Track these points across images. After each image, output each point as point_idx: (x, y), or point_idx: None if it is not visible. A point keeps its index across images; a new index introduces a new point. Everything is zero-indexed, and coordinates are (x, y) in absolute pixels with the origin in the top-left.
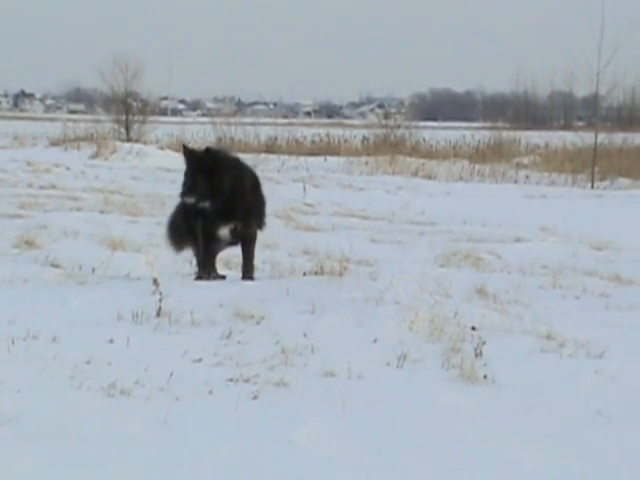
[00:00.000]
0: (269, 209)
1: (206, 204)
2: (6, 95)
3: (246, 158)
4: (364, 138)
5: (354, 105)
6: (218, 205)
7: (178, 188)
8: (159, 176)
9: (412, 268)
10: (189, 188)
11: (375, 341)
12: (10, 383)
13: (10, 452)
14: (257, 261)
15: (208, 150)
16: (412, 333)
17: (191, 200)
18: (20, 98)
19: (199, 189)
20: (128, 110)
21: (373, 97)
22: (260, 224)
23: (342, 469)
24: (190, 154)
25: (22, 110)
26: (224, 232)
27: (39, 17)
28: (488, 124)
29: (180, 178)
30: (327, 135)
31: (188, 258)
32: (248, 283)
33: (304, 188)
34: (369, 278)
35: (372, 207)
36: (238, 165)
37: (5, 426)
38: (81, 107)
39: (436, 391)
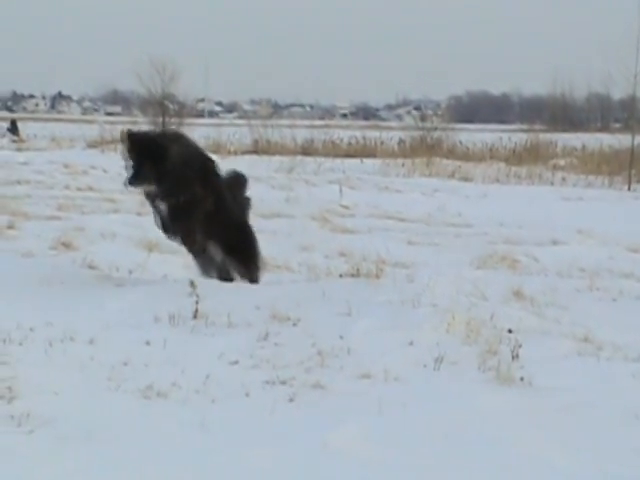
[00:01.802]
0: (307, 210)
1: (151, 187)
2: (44, 97)
3: (282, 160)
4: (400, 140)
5: (390, 107)
6: (165, 185)
7: None
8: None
9: (448, 270)
10: (132, 175)
11: (411, 343)
12: (47, 385)
13: (48, 454)
14: (293, 263)
15: (146, 133)
16: (448, 335)
17: (134, 187)
18: (57, 100)
19: (142, 174)
20: (165, 112)
21: (409, 99)
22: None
23: (378, 472)
24: (128, 138)
25: (59, 112)
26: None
27: (76, 19)
28: (525, 126)
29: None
30: (363, 137)
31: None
32: (284, 286)
33: (340, 190)
34: (405, 280)
35: (408, 209)
36: (179, 141)
37: (43, 428)
38: (118, 109)
39: (472, 393)
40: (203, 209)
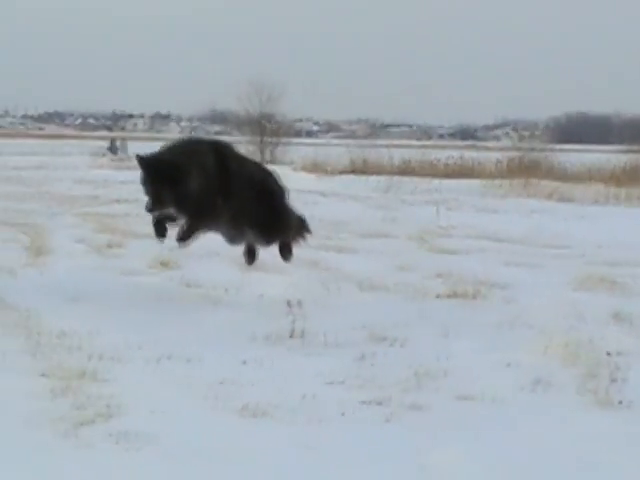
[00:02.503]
0: (404, 230)
1: (171, 211)
2: (142, 116)
3: (380, 180)
4: (498, 161)
5: (489, 127)
6: (184, 207)
7: (311, 210)
8: (293, 198)
9: (546, 292)
10: (150, 201)
11: (509, 365)
12: (146, 403)
13: (146, 473)
14: (390, 283)
15: (158, 155)
16: (546, 358)
17: (153, 213)
18: (156, 119)
19: (159, 199)
20: (263, 132)
21: (508, 120)
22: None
23: None
24: (140, 163)
25: (158, 131)
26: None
27: (176, 40)
28: (624, 147)
29: (312, 200)
30: (461, 158)
31: (322, 279)
32: (381, 306)
33: (438, 211)
34: (503, 301)
35: (506, 230)
36: (193, 155)
37: (141, 446)
38: (217, 129)
39: (571, 416)
40: (225, 217)
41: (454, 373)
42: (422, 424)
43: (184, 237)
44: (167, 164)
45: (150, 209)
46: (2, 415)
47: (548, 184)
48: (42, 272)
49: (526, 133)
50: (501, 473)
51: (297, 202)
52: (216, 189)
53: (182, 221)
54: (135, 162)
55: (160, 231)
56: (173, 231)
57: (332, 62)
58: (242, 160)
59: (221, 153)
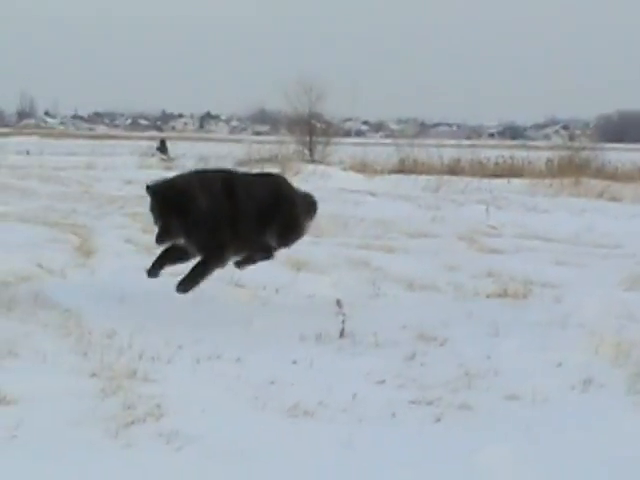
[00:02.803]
0: (453, 229)
1: (181, 241)
2: (192, 116)
3: (429, 180)
4: (548, 160)
5: (538, 126)
6: (194, 238)
7: (360, 210)
8: (342, 197)
9: (597, 291)
10: (159, 232)
11: (559, 365)
12: (195, 403)
13: (195, 472)
14: (440, 283)
15: (168, 183)
16: (597, 357)
17: (162, 244)
18: (206, 119)
19: (169, 229)
20: (312, 131)
21: (558, 118)
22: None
23: None
24: (148, 192)
25: (208, 131)
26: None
27: (223, 40)
28: None
29: (361, 200)
30: (511, 157)
31: (371, 279)
32: (431, 306)
33: (487, 210)
34: (553, 301)
35: (556, 229)
36: (203, 184)
37: (190, 446)
38: (265, 128)
39: (621, 417)
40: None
41: (504, 373)
42: (472, 424)
43: (188, 284)
44: (175, 191)
45: (159, 240)
46: (53, 415)
47: (598, 183)
48: (92, 272)
49: (576, 132)
50: (550, 474)
51: (345, 203)
52: (225, 218)
53: (189, 256)
54: (180, 161)
55: (154, 271)
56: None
57: (380, 61)
58: (250, 185)
59: (229, 181)
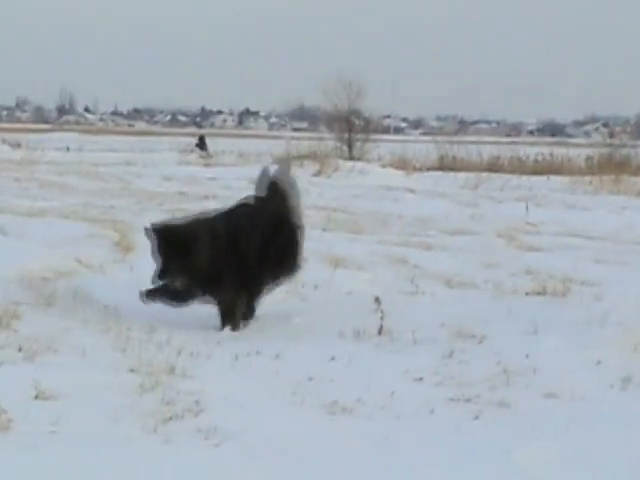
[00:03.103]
0: (492, 227)
1: (180, 282)
2: (231, 113)
3: (468, 177)
4: (588, 157)
5: (578, 123)
6: (196, 280)
7: (399, 207)
8: (380, 194)
9: (636, 289)
10: (160, 270)
11: (598, 363)
12: (234, 399)
13: (233, 468)
14: (478, 280)
15: (173, 226)
16: (636, 355)
17: (162, 281)
18: (245, 116)
19: (170, 269)
20: (351, 128)
21: (598, 116)
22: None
23: None
24: (153, 232)
25: (247, 128)
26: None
27: (263, 37)
28: None
29: (400, 197)
30: (550, 154)
31: (409, 277)
32: (469, 304)
33: (527, 207)
34: (593, 299)
35: (596, 227)
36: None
37: (229, 442)
38: (304, 125)
39: None
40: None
41: (542, 371)
42: (510, 422)
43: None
44: (177, 232)
45: (159, 277)
46: (92, 410)
47: (638, 181)
48: (131, 268)
49: (617, 129)
50: (588, 472)
51: (384, 200)
52: (226, 258)
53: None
54: (219, 158)
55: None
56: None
57: (419, 58)
58: (255, 222)
59: (233, 222)
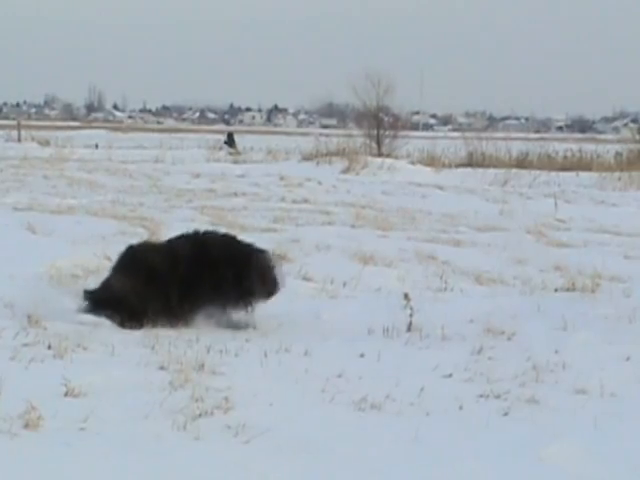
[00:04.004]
0: (521, 223)
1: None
2: (260, 110)
3: (497, 173)
4: (617, 153)
5: (607, 120)
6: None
7: (428, 203)
8: (409, 191)
9: None
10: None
11: (628, 359)
12: (263, 396)
13: (263, 465)
14: (508, 276)
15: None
16: None
17: None
18: (273, 113)
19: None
20: (379, 125)
21: (627, 111)
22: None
23: None
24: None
25: (275, 125)
26: None
27: (291, 34)
28: None
29: (429, 193)
30: (579, 150)
31: (438, 273)
32: (499, 300)
33: (555, 203)
34: (622, 295)
35: (625, 223)
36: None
37: (258, 438)
38: (333, 122)
39: None
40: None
41: (572, 367)
42: (540, 417)
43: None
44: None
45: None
46: (121, 407)
47: None
48: None
49: None
50: (618, 468)
51: (413, 196)
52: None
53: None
54: (248, 155)
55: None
56: None
57: (448, 54)
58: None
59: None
